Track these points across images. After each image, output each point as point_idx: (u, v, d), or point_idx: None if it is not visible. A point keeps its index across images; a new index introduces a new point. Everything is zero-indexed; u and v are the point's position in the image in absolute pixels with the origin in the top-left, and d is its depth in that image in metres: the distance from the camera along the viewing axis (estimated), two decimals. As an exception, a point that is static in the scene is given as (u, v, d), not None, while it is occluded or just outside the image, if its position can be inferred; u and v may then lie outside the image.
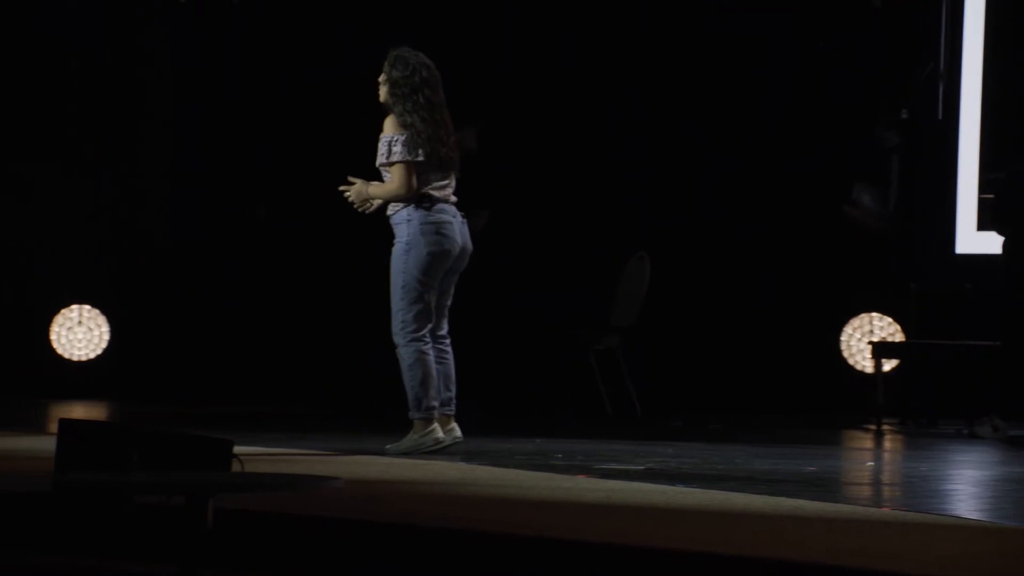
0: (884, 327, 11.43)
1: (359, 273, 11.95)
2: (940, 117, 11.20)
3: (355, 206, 7.67)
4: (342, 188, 7.66)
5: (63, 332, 12.49)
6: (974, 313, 10.36)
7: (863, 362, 11.35)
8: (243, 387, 11.84)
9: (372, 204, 7.65)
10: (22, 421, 9.70)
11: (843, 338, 11.53)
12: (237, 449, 4.90)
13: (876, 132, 11.29)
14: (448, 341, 7.69)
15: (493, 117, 11.90)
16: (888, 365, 10.89)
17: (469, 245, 7.68)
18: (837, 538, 5.04)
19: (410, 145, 7.49)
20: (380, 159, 7.55)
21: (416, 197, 7.50)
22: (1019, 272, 9.43)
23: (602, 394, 10.75)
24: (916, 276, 11.04)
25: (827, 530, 5.22)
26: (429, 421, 7.55)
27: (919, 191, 11.37)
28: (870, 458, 8.72)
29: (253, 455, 6.22)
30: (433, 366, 7.55)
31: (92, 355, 12.48)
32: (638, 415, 10.76)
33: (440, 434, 7.56)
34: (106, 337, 12.48)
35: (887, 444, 9.55)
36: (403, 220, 7.53)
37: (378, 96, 7.62)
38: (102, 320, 12.49)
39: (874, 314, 11.48)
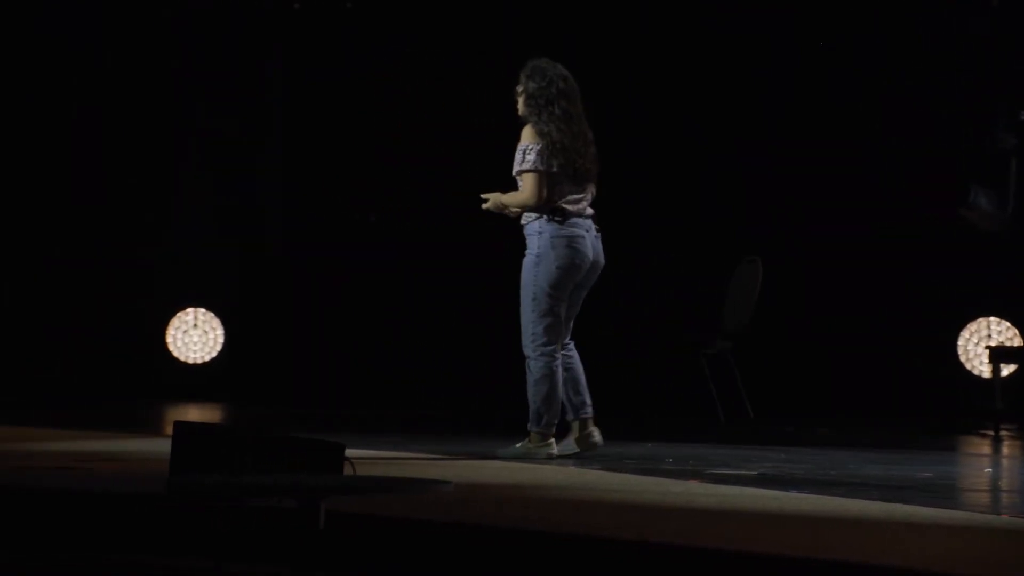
0: (1002, 331, 11.27)
1: (472, 277, 11.99)
2: (1059, 118, 11.03)
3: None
4: (484, 196, 7.59)
5: (179, 335, 12.64)
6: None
7: (980, 367, 11.20)
8: (355, 390, 11.92)
9: (511, 212, 7.58)
10: (137, 423, 9.83)
11: (960, 342, 11.39)
12: (349, 452, 4.92)
13: (994, 133, 11.15)
14: (572, 345, 7.62)
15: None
16: (1006, 370, 10.75)
17: (601, 260, 7.56)
18: (953, 545, 4.96)
19: (543, 155, 7.41)
20: (515, 167, 7.47)
21: (549, 209, 7.42)
22: None
23: (714, 398, 10.69)
24: (1034, 279, 10.89)
25: (943, 537, 5.15)
26: (545, 436, 7.50)
27: (1037, 193, 11.21)
28: (988, 464, 8.59)
29: (364, 458, 6.25)
30: (560, 383, 7.49)
31: (207, 358, 12.61)
32: (750, 419, 10.69)
33: (554, 449, 7.50)
34: (220, 340, 12.61)
35: (1005, 450, 9.41)
36: (535, 232, 7.46)
37: (514, 107, 7.54)
38: (217, 323, 12.62)
39: (992, 318, 11.33)
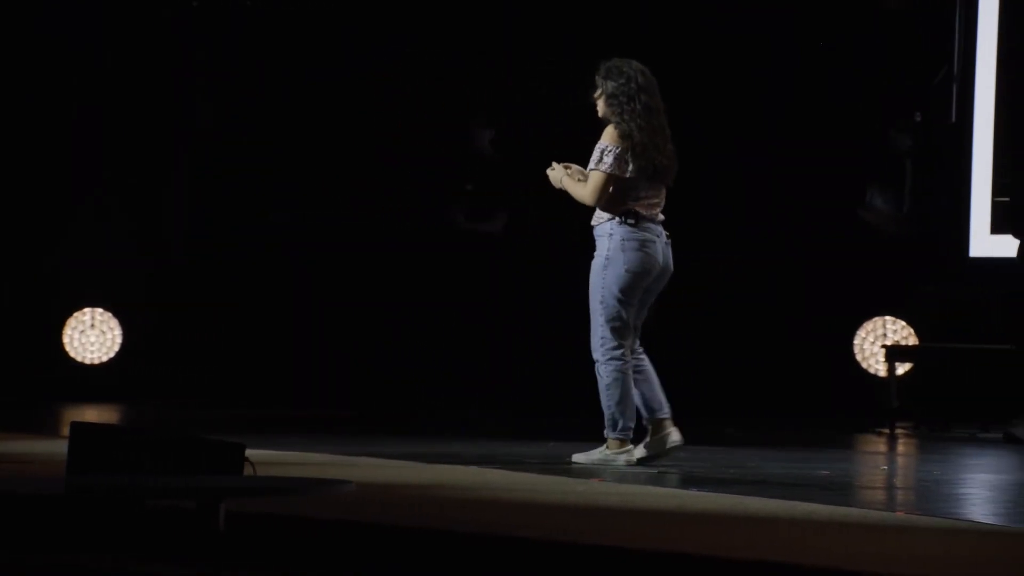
0: (897, 330, 11.41)
1: (368, 276, 11.97)
2: (954, 120, 11.18)
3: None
4: (554, 164, 7.45)
5: (76, 335, 12.50)
6: (987, 316, 10.34)
7: (876, 365, 11.33)
8: (255, 391, 11.85)
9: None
10: (35, 424, 9.71)
11: (856, 342, 11.51)
12: (249, 453, 4.89)
13: (890, 135, 11.28)
14: (642, 350, 7.47)
15: (508, 121, 11.91)
16: (901, 368, 10.87)
17: (671, 266, 7.41)
18: (851, 542, 5.02)
19: (621, 159, 7.23)
20: (591, 164, 7.29)
21: (623, 211, 7.27)
22: None
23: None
24: (930, 279, 11.02)
25: (840, 534, 5.21)
26: (624, 442, 7.35)
27: (933, 194, 11.35)
28: (883, 462, 8.70)
29: (265, 459, 6.22)
30: (631, 385, 7.35)
31: (104, 358, 12.48)
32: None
33: (633, 455, 7.34)
34: (118, 340, 12.49)
35: (900, 448, 9.53)
36: (605, 233, 7.30)
37: (596, 109, 7.38)
38: (115, 323, 12.50)
39: (887, 317, 11.46)
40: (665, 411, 7.42)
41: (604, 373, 7.32)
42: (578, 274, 11.94)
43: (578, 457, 7.38)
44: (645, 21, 11.63)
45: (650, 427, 7.42)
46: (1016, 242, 9.61)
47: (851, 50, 11.38)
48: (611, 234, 7.28)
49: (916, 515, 5.85)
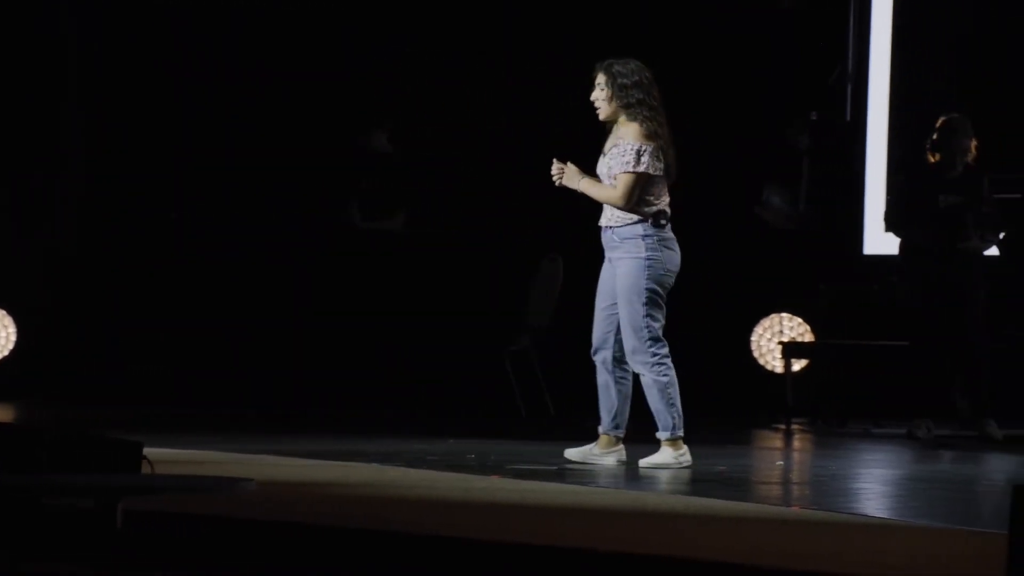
0: (794, 327, 11.52)
1: (267, 274, 11.91)
2: (848, 119, 11.31)
3: (554, 180, 7.33)
4: (561, 165, 7.29)
5: (-30, 333, 12.34)
6: (882, 313, 10.47)
7: (773, 362, 11.43)
8: (153, 389, 11.75)
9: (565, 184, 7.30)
10: (-72, 423, 9.56)
11: (753, 338, 11.61)
12: (147, 451, 4.87)
13: (786, 134, 11.39)
14: (627, 364, 7.38)
15: (403, 118, 11.90)
16: (798, 365, 10.98)
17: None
18: (747, 537, 5.07)
19: (655, 156, 7.18)
20: (626, 165, 7.15)
21: (653, 212, 7.19)
22: (913, 275, 9.51)
23: (516, 394, 10.77)
24: (825, 277, 11.14)
25: (737, 529, 5.26)
26: (679, 441, 7.27)
27: (828, 192, 11.47)
28: (780, 457, 8.79)
29: (164, 458, 6.18)
30: (676, 383, 7.27)
31: (0, 356, 12.33)
32: (551, 415, 10.78)
33: (688, 456, 7.26)
34: (13, 338, 12.34)
35: (796, 444, 9.63)
36: (636, 235, 7.20)
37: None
38: (9, 321, 12.34)
39: (784, 314, 11.56)
40: (622, 432, 7.39)
41: (658, 375, 7.20)
42: (480, 271, 11.96)
43: (643, 462, 7.23)
44: (541, 15, 11.66)
45: (603, 438, 7.35)
46: (898, 240, 9.74)
47: (747, 49, 11.47)
48: (644, 235, 7.19)
49: (811, 510, 5.92)
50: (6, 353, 12.34)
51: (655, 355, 7.22)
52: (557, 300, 11.01)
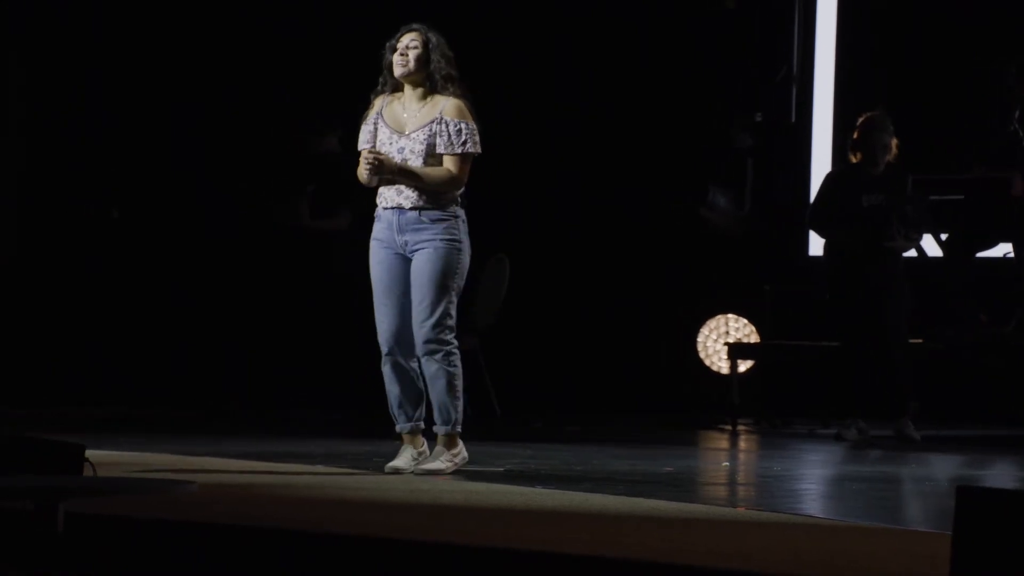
0: (739, 328, 11.55)
1: (211, 274, 11.84)
2: (793, 120, 11.35)
3: (368, 173, 6.74)
4: (374, 153, 6.72)
5: (-91, 334, 12.20)
6: (826, 314, 10.50)
7: (719, 363, 11.46)
8: (95, 389, 11.65)
9: (401, 183, 6.80)
10: None
11: (699, 339, 11.63)
12: (88, 453, 4.82)
13: (731, 135, 11.41)
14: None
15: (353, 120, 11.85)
16: (743, 366, 11.01)
17: None
18: (694, 538, 5.07)
19: (477, 136, 6.81)
20: (453, 146, 6.75)
21: (462, 195, 6.88)
22: (833, 276, 9.55)
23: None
24: (770, 278, 11.17)
25: (684, 530, 5.26)
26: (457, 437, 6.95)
27: (773, 194, 11.51)
28: (726, 458, 8.81)
29: (105, 460, 6.12)
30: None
31: (-61, 358, 12.20)
32: (497, 416, 10.77)
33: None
34: (-46, 339, 12.22)
35: (742, 444, 9.66)
36: (451, 217, 6.79)
37: (386, 66, 6.80)
38: (-50, 322, 12.23)
39: (730, 315, 11.60)
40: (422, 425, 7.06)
41: (453, 363, 6.85)
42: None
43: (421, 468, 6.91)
44: (493, 13, 11.65)
45: (419, 435, 7.01)
46: (822, 240, 9.78)
47: (692, 49, 11.49)
48: (457, 217, 6.86)
49: (756, 511, 5.93)
50: (-55, 354, 12.21)
51: (449, 343, 6.84)
52: (503, 300, 11.00)
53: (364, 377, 11.41)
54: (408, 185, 6.81)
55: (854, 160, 9.50)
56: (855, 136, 9.47)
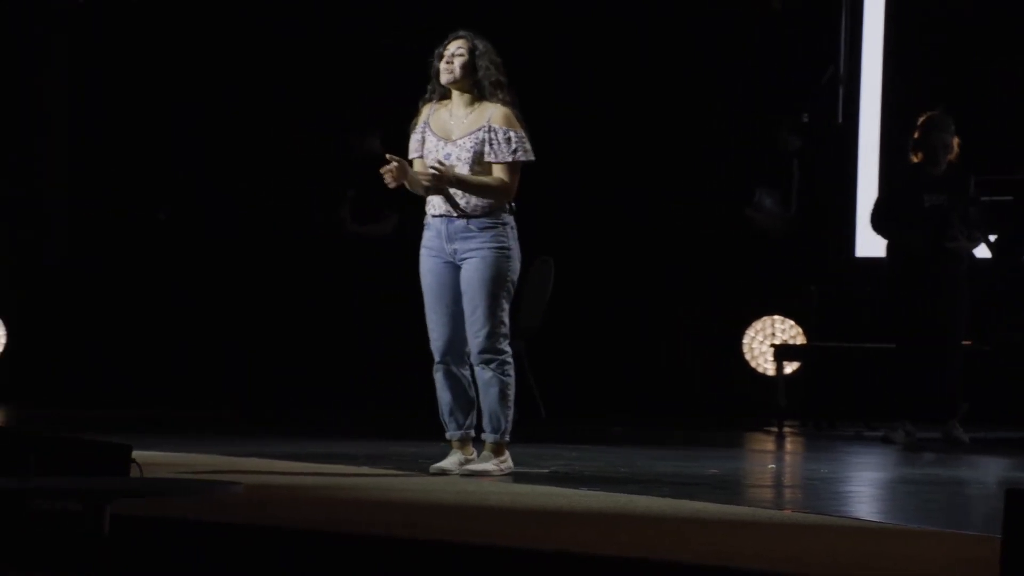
0: (786, 330, 11.51)
1: (254, 277, 11.88)
2: (840, 121, 11.30)
3: (391, 178, 6.77)
4: (391, 160, 6.75)
5: (-41, 336, 12.30)
6: (873, 315, 10.45)
7: (765, 364, 11.42)
8: (143, 391, 11.72)
9: (448, 194, 6.75)
10: (-84, 426, 9.53)
11: (745, 341, 11.60)
12: (135, 454, 4.84)
13: (778, 136, 11.38)
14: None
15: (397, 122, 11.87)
16: (789, 367, 10.97)
17: None
18: (739, 541, 5.05)
19: (527, 143, 6.79)
20: (504, 155, 6.73)
21: (510, 202, 6.85)
22: (894, 277, 9.48)
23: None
24: (817, 279, 11.13)
25: (729, 532, 5.24)
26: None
27: (820, 194, 11.47)
28: (771, 460, 8.77)
29: (152, 460, 6.15)
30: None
31: (-11, 359, 12.29)
32: (542, 418, 10.76)
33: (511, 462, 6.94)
34: (2, 341, 12.31)
35: (788, 446, 9.62)
36: (499, 224, 6.77)
37: (435, 75, 6.77)
38: (-1, 323, 12.32)
39: (776, 317, 11.56)
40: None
41: (507, 372, 6.85)
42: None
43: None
44: (536, 17, 11.64)
45: (469, 443, 7.01)
46: (885, 242, 9.71)
47: (739, 51, 11.47)
48: (505, 223, 6.83)
49: (803, 513, 5.90)
50: (-5, 356, 12.31)
51: (502, 351, 6.83)
52: (548, 302, 10.99)
53: (412, 379, 11.46)
54: (458, 193, 6.80)
55: (915, 160, 9.40)
56: (916, 135, 9.35)
